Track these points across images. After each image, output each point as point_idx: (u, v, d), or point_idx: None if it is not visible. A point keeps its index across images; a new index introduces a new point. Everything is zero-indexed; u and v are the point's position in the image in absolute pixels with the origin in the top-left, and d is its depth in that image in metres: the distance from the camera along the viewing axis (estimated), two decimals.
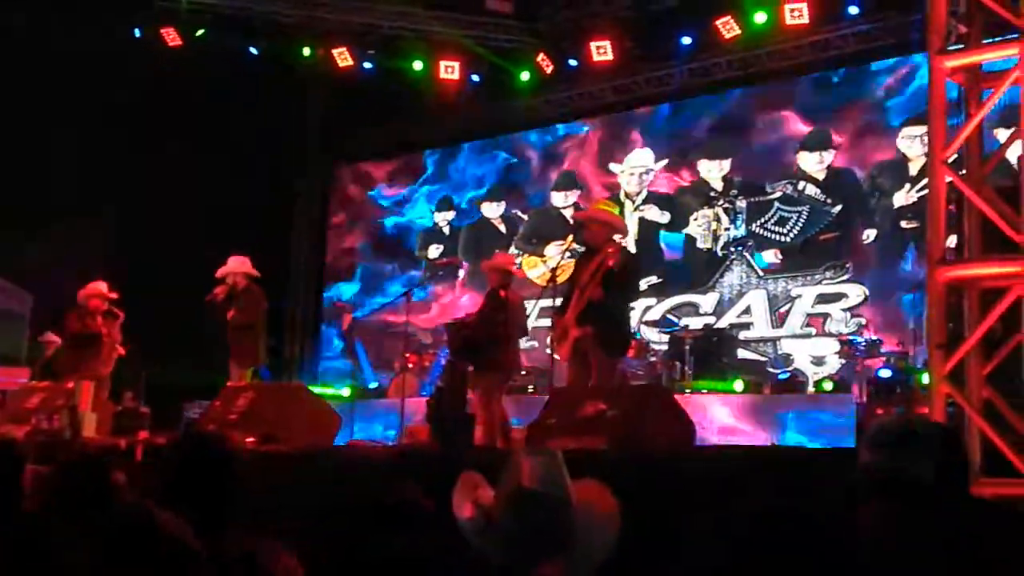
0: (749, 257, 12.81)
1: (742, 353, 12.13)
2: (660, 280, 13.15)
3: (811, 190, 12.54)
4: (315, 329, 16.57)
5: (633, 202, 13.87)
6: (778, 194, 12.75)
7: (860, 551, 2.21)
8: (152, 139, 13.16)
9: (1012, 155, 10.15)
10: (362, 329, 15.71)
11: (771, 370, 12.10)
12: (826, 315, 12.11)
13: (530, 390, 11.99)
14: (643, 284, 11.74)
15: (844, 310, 11.99)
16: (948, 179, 4.93)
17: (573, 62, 13.96)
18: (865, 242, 12.10)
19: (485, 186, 15.42)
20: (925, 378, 8.48)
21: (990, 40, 5.05)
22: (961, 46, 5.00)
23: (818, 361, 11.94)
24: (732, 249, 12.94)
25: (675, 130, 13.81)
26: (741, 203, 12.99)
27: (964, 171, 5.13)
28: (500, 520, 2.48)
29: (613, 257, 7.51)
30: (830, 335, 11.89)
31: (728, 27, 12.61)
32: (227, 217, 13.54)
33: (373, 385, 14.26)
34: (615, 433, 6.44)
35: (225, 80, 13.70)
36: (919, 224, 11.28)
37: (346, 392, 13.03)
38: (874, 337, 10.62)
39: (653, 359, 11.47)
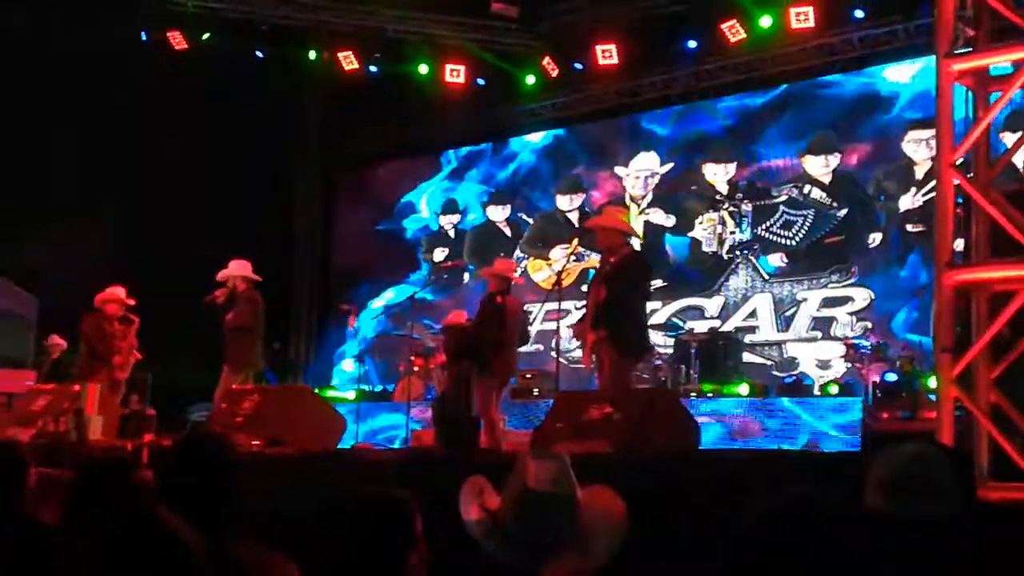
0: (755, 261, 12.80)
1: (747, 357, 12.11)
2: (665, 283, 13.13)
3: (817, 194, 12.52)
4: (319, 331, 16.57)
5: (638, 205, 13.86)
6: (784, 198, 12.73)
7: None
8: (152, 139, 13.16)
9: (1019, 159, 10.14)
10: (367, 333, 15.70)
11: (776, 374, 12.09)
12: (832, 319, 12.09)
13: (535, 393, 11.97)
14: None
15: (850, 314, 11.97)
16: (956, 182, 4.92)
17: (579, 65, 13.94)
18: (871, 246, 12.08)
19: (490, 189, 15.41)
20: (931, 382, 8.48)
21: (997, 44, 5.04)
22: (969, 49, 4.98)
23: (823, 365, 11.92)
24: (738, 253, 12.93)
25: (681, 133, 13.80)
26: (747, 207, 12.98)
27: (972, 174, 5.12)
28: (506, 522, 2.48)
29: (615, 255, 7.52)
30: (836, 339, 11.87)
31: (734, 31, 12.58)
32: (229, 217, 13.56)
33: (378, 388, 14.25)
34: (620, 437, 6.43)
35: (226, 80, 13.71)
36: (925, 228, 11.27)
37: (351, 395, 13.02)
38: (880, 341, 10.60)
39: (658, 363, 11.45)
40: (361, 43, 14.37)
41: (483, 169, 15.60)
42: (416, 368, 12.35)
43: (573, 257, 13.44)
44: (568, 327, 13.00)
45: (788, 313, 12.44)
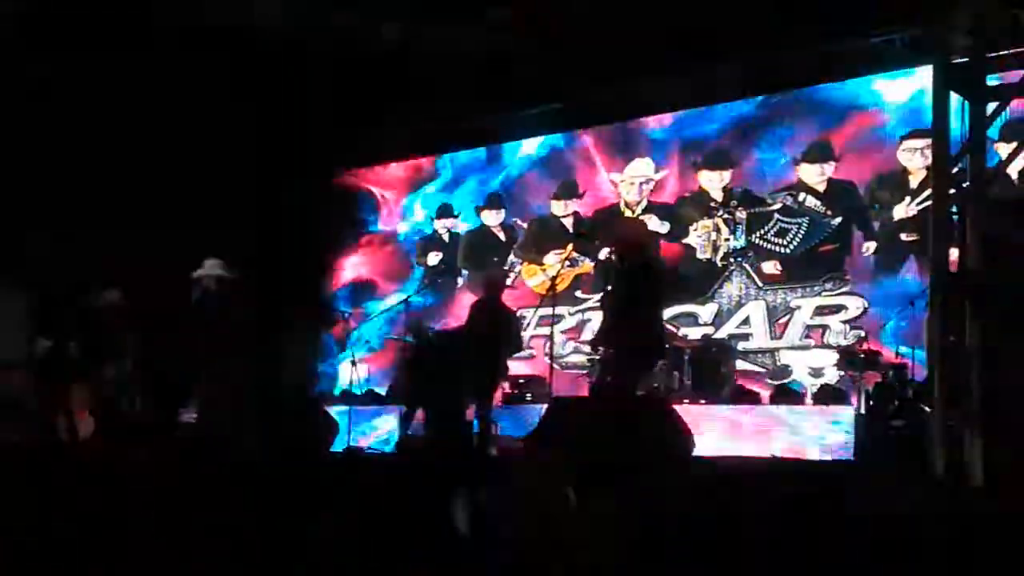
0: (748, 268, 12.81)
1: (740, 364, 12.13)
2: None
3: (811, 202, 12.54)
4: (314, 335, 16.53)
5: (633, 212, 13.87)
6: (778, 205, 12.75)
7: None
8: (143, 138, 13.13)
9: (1013, 170, 10.18)
10: (361, 336, 15.70)
11: (770, 381, 12.10)
12: (825, 327, 12.10)
13: (528, 399, 11.99)
14: None
15: (843, 322, 11.98)
16: (951, 191, 4.94)
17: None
18: (865, 254, 12.10)
19: (485, 194, 15.42)
20: (924, 391, 8.50)
21: (994, 54, 5.06)
22: (966, 60, 5.00)
23: (817, 372, 11.93)
24: (732, 260, 12.94)
25: (676, 140, 13.81)
26: (741, 214, 12.99)
27: (967, 183, 5.14)
28: (499, 525, 2.48)
29: (632, 262, 7.53)
30: (829, 347, 11.89)
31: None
32: (222, 218, 13.52)
33: (368, 390, 14.22)
34: (613, 443, 6.43)
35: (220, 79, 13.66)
36: (919, 237, 11.29)
37: (344, 398, 13.01)
38: (873, 349, 10.62)
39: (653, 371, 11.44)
40: (360, 45, 14.34)
41: (478, 174, 15.60)
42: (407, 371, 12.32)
43: (568, 263, 13.44)
44: (561, 332, 13.02)
45: (782, 321, 12.46)
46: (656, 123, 14.02)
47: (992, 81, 5.20)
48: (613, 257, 8.42)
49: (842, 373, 11.00)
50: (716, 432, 10.03)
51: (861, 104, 12.42)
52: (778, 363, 12.37)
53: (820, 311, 12.21)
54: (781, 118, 12.98)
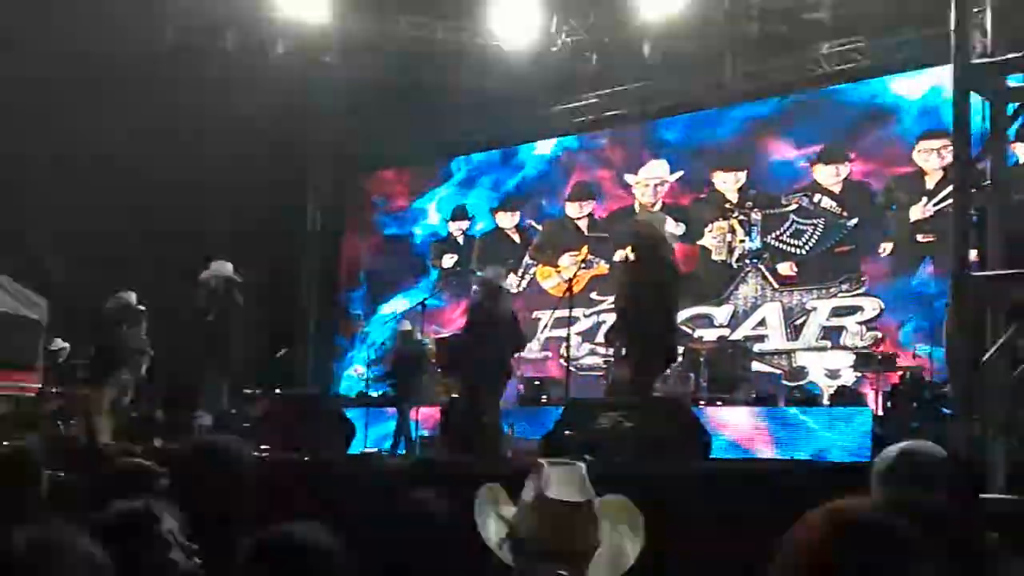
0: (764, 269, 12.77)
1: (756, 365, 12.08)
2: None
3: (827, 203, 12.50)
4: (329, 337, 16.57)
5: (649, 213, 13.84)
6: (794, 206, 12.71)
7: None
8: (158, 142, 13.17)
9: None
10: (377, 338, 15.71)
11: (786, 383, 12.05)
12: (841, 328, 12.05)
13: (543, 400, 11.96)
14: None
15: (860, 323, 11.93)
16: (972, 191, 4.91)
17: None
18: (881, 255, 12.04)
19: (499, 196, 15.42)
20: (943, 392, 8.45)
21: (1015, 55, 5.02)
22: (986, 60, 4.97)
23: (833, 374, 11.88)
24: (747, 261, 12.90)
25: (690, 142, 13.78)
26: (756, 215, 12.95)
27: (986, 183, 5.11)
28: (522, 531, 2.46)
29: (645, 262, 7.51)
30: (845, 348, 11.84)
31: None
32: (238, 222, 13.55)
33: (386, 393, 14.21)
34: (630, 446, 6.42)
35: (237, 82, 13.70)
36: (936, 238, 11.23)
37: (360, 401, 13.00)
38: (890, 351, 10.57)
39: (667, 371, 11.41)
40: (373, 47, 14.35)
41: (492, 176, 15.60)
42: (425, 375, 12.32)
43: (583, 264, 13.41)
44: (577, 334, 12.98)
45: (798, 322, 12.41)
46: (671, 125, 13.99)
47: (1013, 82, 5.17)
48: (627, 253, 8.40)
49: (859, 374, 10.95)
50: (733, 433, 9.99)
51: (877, 105, 12.37)
52: (794, 364, 12.32)
53: (836, 312, 12.16)
54: (796, 119, 12.94)
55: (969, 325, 4.93)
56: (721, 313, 12.96)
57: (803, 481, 5.47)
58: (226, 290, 9.92)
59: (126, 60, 12.19)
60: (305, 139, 16.38)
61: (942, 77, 10.16)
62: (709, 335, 12.60)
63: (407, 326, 12.15)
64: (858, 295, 12.06)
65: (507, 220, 15.26)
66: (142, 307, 10.15)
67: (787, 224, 12.73)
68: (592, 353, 13.52)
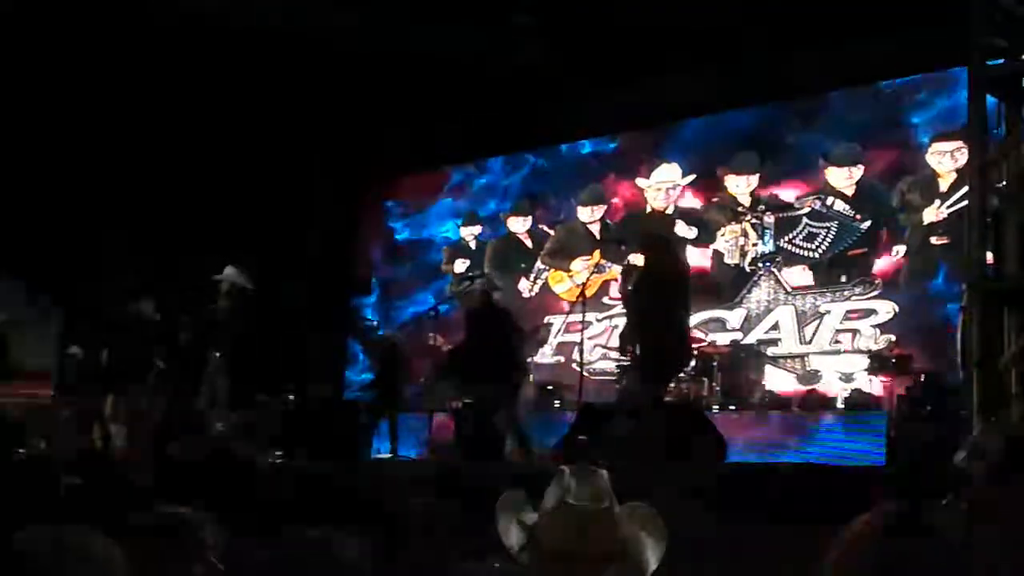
0: (777, 273, 12.74)
1: (770, 369, 12.05)
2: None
3: (840, 206, 12.45)
4: (340, 342, 16.58)
5: (661, 217, 13.82)
6: (806, 210, 12.66)
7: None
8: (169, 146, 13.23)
9: None
10: (390, 345, 15.71)
11: (799, 387, 12.01)
12: (855, 331, 12.01)
13: (557, 405, 11.95)
14: None
15: (874, 326, 11.88)
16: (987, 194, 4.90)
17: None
18: (895, 258, 12.00)
19: (511, 200, 15.41)
20: (959, 395, 8.41)
21: None
22: (1001, 60, 4.96)
23: (847, 378, 11.83)
24: (760, 265, 12.87)
25: (702, 145, 13.75)
26: (769, 219, 12.91)
27: (1002, 184, 5.09)
28: (544, 537, 2.47)
29: (655, 265, 7.51)
30: (859, 351, 11.79)
31: None
32: (250, 226, 13.59)
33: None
34: (645, 450, 6.41)
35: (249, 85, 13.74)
36: (950, 240, 11.18)
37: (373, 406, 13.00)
38: (904, 354, 10.53)
39: (680, 376, 11.40)
40: (380, 52, 14.36)
41: (504, 180, 15.60)
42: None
43: (596, 269, 13.40)
44: (590, 338, 12.96)
45: (811, 326, 12.37)
46: (683, 128, 13.97)
47: None
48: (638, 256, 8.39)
49: (873, 378, 10.90)
50: (747, 438, 9.96)
51: (889, 106, 12.33)
52: (808, 368, 12.28)
53: (850, 315, 12.11)
54: (808, 121, 12.90)
55: (984, 327, 4.91)
56: (734, 317, 12.92)
57: (819, 485, 5.46)
58: (239, 295, 9.97)
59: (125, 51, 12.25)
60: (316, 143, 16.41)
61: (957, 79, 10.14)
62: (722, 339, 12.56)
63: (391, 333, 12.22)
64: (872, 298, 12.01)
65: (519, 225, 15.25)
66: (158, 315, 10.21)
67: (800, 227, 12.69)
68: (605, 358, 13.50)
